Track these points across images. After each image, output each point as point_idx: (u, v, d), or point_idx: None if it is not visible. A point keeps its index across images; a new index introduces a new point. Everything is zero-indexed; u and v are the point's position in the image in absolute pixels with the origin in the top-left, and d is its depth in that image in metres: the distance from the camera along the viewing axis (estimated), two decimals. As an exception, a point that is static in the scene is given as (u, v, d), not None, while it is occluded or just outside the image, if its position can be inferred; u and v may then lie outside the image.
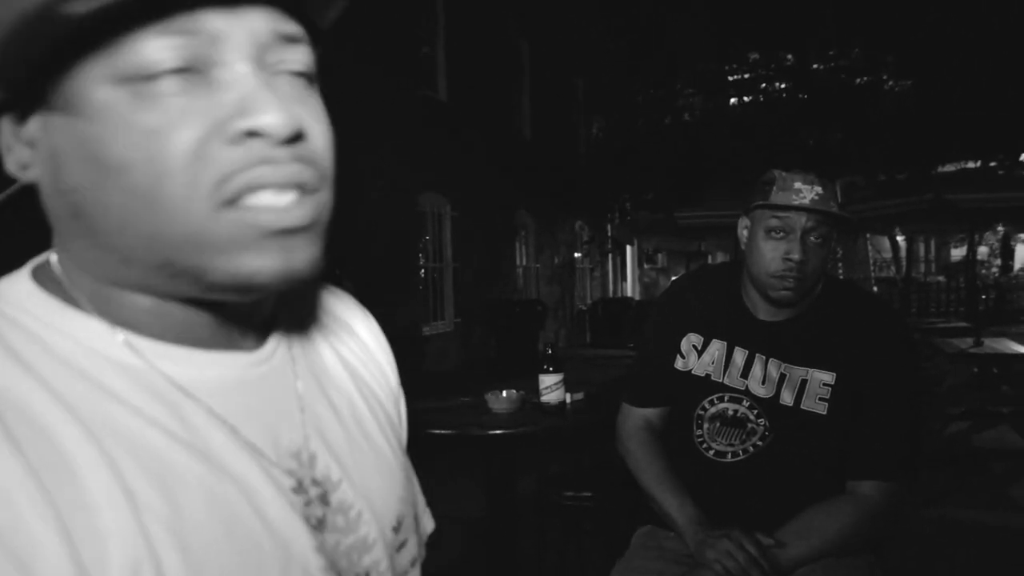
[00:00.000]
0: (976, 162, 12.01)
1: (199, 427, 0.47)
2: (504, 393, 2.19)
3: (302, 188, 0.45)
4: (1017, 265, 15.22)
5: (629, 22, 13.65)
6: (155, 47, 0.41)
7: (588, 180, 13.42)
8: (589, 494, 2.37)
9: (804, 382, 1.41)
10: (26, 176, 0.46)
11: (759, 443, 1.44)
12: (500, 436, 1.96)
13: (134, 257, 0.45)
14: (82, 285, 0.47)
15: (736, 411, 1.47)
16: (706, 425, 1.50)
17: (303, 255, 0.46)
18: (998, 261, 14.71)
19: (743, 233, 1.48)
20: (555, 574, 2.69)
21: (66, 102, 0.42)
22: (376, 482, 0.57)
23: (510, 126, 12.44)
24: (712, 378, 1.50)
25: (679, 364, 1.55)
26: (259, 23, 0.44)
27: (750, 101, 14.57)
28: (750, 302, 1.49)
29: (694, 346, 1.53)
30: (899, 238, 13.48)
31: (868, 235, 13.42)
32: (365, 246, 8.04)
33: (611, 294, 16.47)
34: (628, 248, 16.72)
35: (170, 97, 0.42)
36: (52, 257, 0.49)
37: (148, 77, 0.41)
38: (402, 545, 0.59)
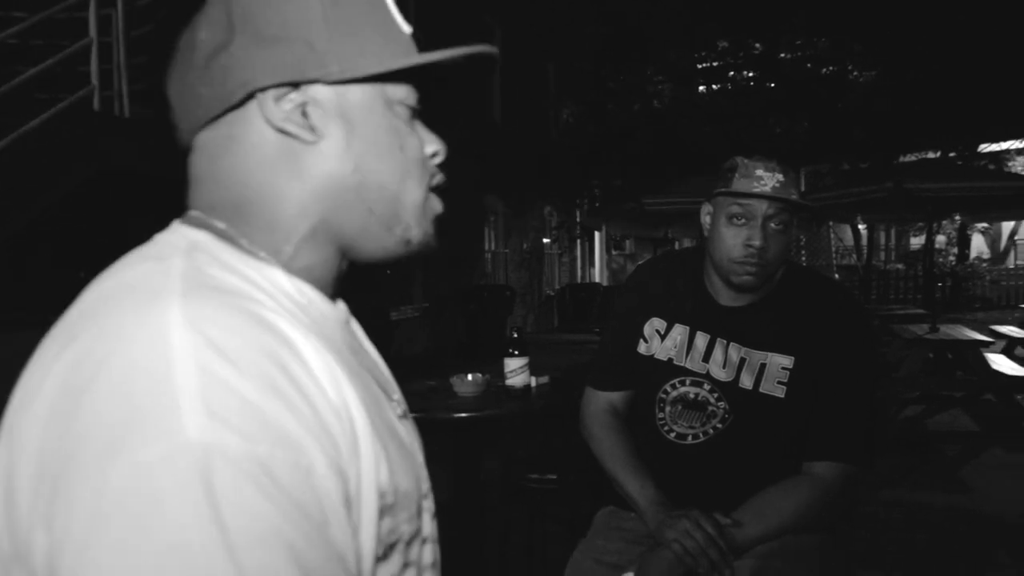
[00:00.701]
0: (936, 153, 12.29)
1: (354, 349, 0.64)
2: (469, 376, 2.19)
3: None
4: (973, 254, 15.64)
5: (599, 7, 13.64)
6: (411, 96, 0.67)
7: (558, 165, 13.44)
8: (554, 476, 2.40)
9: (763, 366, 1.44)
10: (308, 138, 0.59)
11: (719, 425, 1.47)
12: (465, 419, 1.97)
13: (376, 207, 0.62)
14: (257, 238, 0.59)
15: (697, 394, 1.49)
16: (668, 408, 1.52)
17: (430, 230, 0.69)
18: (955, 250, 15.12)
19: (706, 219, 1.49)
20: (520, 556, 2.72)
21: (362, 98, 0.61)
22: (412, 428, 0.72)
23: (481, 110, 12.37)
24: (674, 362, 1.52)
25: (642, 348, 1.56)
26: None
27: (719, 89, 14.70)
28: (712, 287, 1.51)
29: (657, 330, 1.55)
30: (861, 226, 13.75)
31: (831, 223, 13.68)
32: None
33: (579, 279, 16.55)
34: (596, 234, 16.79)
35: (403, 121, 0.64)
36: (213, 222, 0.60)
37: (409, 111, 0.66)
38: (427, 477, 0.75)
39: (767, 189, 1.36)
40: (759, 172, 1.38)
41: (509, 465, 2.48)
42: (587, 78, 14.85)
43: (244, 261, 0.57)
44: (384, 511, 0.54)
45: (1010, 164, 13.91)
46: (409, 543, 0.58)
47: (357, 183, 0.61)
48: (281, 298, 0.56)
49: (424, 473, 0.68)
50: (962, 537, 3.36)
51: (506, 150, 12.61)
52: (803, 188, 15.12)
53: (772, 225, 1.38)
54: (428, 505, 0.66)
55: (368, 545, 0.52)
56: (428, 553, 0.64)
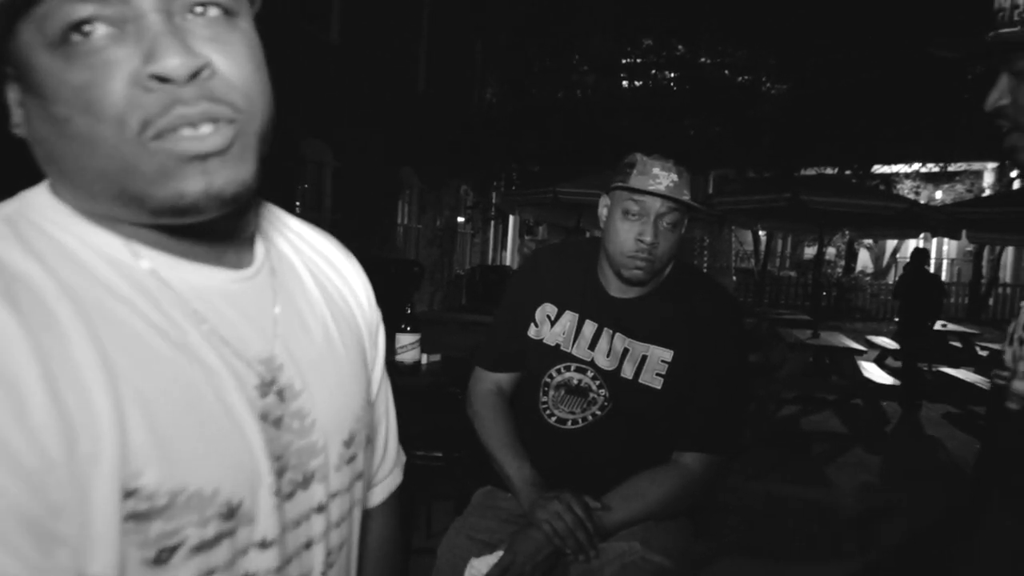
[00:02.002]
0: (834, 169, 13.00)
1: (179, 321, 0.55)
2: (360, 349, 2.16)
3: (215, 120, 0.51)
4: (858, 267, 16.70)
5: None
6: (70, 8, 0.47)
7: (478, 145, 13.37)
8: (440, 454, 2.40)
9: (645, 357, 1.48)
10: (19, 132, 0.54)
11: (598, 412, 1.51)
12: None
13: (95, 190, 0.52)
14: (87, 208, 0.54)
15: (580, 381, 1.53)
16: (551, 392, 1.55)
17: (224, 176, 0.52)
18: (843, 262, 16.11)
19: (603, 212, 1.53)
20: (405, 532, 2.72)
21: (19, 71, 0.51)
22: (335, 399, 0.65)
23: (404, 79, 12.12)
24: (561, 348, 1.55)
25: (532, 332, 1.59)
26: None
27: (640, 86, 14.98)
28: (604, 278, 1.55)
29: (548, 316, 1.58)
30: (761, 232, 14.40)
31: (733, 227, 14.24)
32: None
33: (490, 261, 16.59)
34: (511, 217, 16.86)
35: (95, 54, 0.48)
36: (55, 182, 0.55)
37: (67, 37, 0.48)
38: (351, 459, 0.67)
39: (661, 188, 1.40)
40: (655, 171, 1.42)
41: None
42: (513, 58, 14.82)
43: (74, 224, 0.54)
44: (143, 513, 0.49)
45: (899, 186, 14.90)
46: (201, 548, 0.52)
47: (59, 172, 0.53)
48: (72, 273, 0.51)
49: (304, 459, 0.61)
50: (819, 527, 3.61)
51: (427, 123, 12.44)
52: (710, 190, 15.72)
53: (664, 223, 1.43)
54: (295, 503, 0.60)
55: (107, 544, 0.47)
56: (264, 560, 0.57)
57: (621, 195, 1.46)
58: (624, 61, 15.16)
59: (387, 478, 0.85)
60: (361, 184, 10.74)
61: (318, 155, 10.03)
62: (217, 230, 0.58)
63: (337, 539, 0.66)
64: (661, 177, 1.41)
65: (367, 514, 0.78)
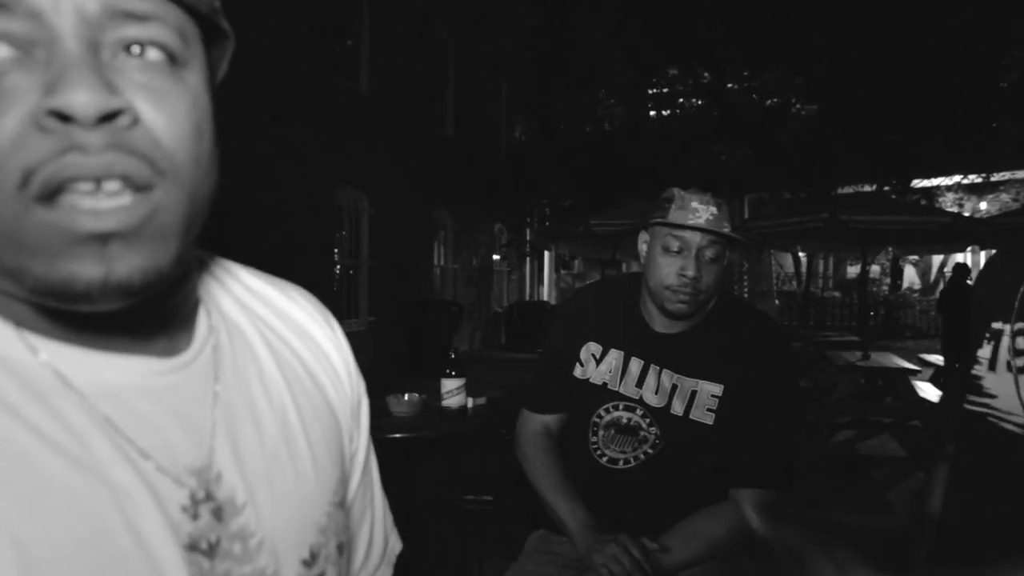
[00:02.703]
0: (872, 186, 12.80)
1: (82, 431, 0.43)
2: (406, 396, 2.17)
3: (128, 181, 0.40)
4: (905, 284, 16.30)
5: (548, 24, 13.86)
6: None
7: (509, 183, 13.51)
8: (490, 498, 2.38)
9: (694, 393, 1.46)
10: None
11: (650, 451, 1.48)
12: (399, 440, 1.94)
13: None
14: None
15: (630, 419, 1.51)
16: (601, 432, 1.53)
17: (130, 263, 0.41)
18: (888, 280, 15.73)
19: (643, 247, 1.52)
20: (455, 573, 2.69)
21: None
22: (292, 510, 0.53)
23: (432, 123, 12.37)
24: (609, 387, 1.53)
25: (578, 372, 1.57)
26: None
27: (668, 115, 15.03)
28: (647, 314, 1.53)
29: (593, 355, 1.56)
30: (801, 254, 14.19)
31: (772, 251, 14.06)
32: (277, 240, 7.82)
33: (528, 298, 16.61)
34: (546, 253, 16.90)
35: None
36: None
37: None
38: None
39: (700, 221, 1.39)
40: (694, 204, 1.41)
41: (445, 486, 2.46)
42: (538, 96, 15.02)
43: None
44: None
45: (940, 200, 14.58)
46: None
47: None
48: None
49: None
50: (888, 554, 3.46)
51: (457, 165, 12.64)
52: (746, 215, 15.57)
53: (706, 256, 1.41)
54: None
55: None
56: None
57: (660, 231, 1.44)
58: (650, 91, 15.25)
59: None
60: (396, 228, 10.91)
61: (353, 202, 10.24)
62: (138, 313, 0.45)
63: None
64: (700, 211, 1.39)
65: None
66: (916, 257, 15.22)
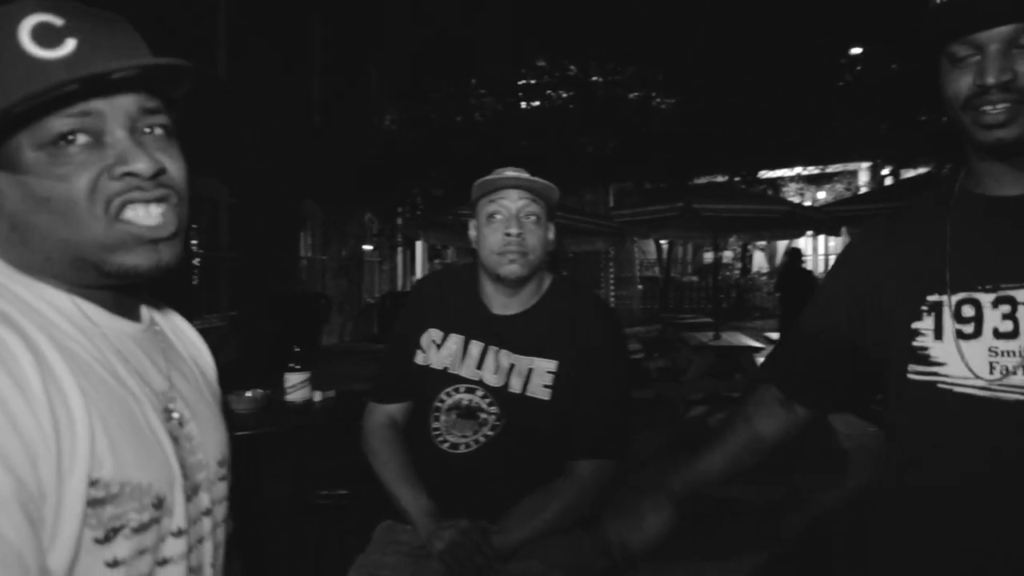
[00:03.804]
0: (724, 176, 13.65)
1: (109, 357, 0.71)
2: (249, 393, 2.09)
3: (167, 201, 0.72)
4: (754, 268, 17.53)
5: (416, 9, 13.73)
6: (60, 123, 0.66)
7: (379, 172, 13.28)
8: (345, 492, 2.35)
9: (531, 370, 1.51)
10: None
11: (490, 432, 1.51)
12: (241, 437, 1.87)
13: (54, 256, 0.69)
14: (26, 264, 0.70)
15: (471, 401, 1.53)
16: (443, 417, 1.55)
17: (169, 254, 0.73)
18: (739, 264, 16.88)
19: (472, 233, 1.58)
20: (313, 573, 2.64)
21: (8, 163, 0.68)
22: (208, 428, 0.81)
23: (299, 111, 11.92)
24: (449, 370, 1.55)
25: (419, 359, 1.59)
26: (129, 104, 0.70)
27: (538, 106, 15.32)
28: (486, 297, 1.58)
29: (433, 341, 1.58)
30: (662, 242, 14.92)
31: (635, 239, 14.68)
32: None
33: (400, 288, 16.44)
34: (418, 243, 16.79)
35: (73, 155, 0.67)
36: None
37: (56, 143, 0.67)
38: (222, 478, 0.83)
39: (512, 175, 1.51)
40: (508, 172, 1.52)
41: (299, 482, 2.40)
42: (410, 85, 14.85)
43: (21, 278, 0.70)
44: (101, 499, 0.63)
45: (784, 190, 15.77)
46: (139, 530, 0.66)
47: (21, 239, 0.69)
48: (32, 313, 0.67)
49: (195, 471, 0.77)
50: (730, 523, 3.72)
51: (326, 154, 12.26)
52: (611, 204, 16.16)
53: (525, 218, 1.50)
54: (194, 504, 0.76)
55: (71, 524, 0.61)
56: (177, 546, 0.72)
57: (482, 205, 1.53)
58: (520, 83, 15.47)
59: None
60: (260, 219, 10.44)
61: (212, 193, 9.70)
62: (132, 291, 0.77)
63: (220, 539, 0.82)
64: (512, 174, 1.51)
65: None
66: (764, 243, 16.41)
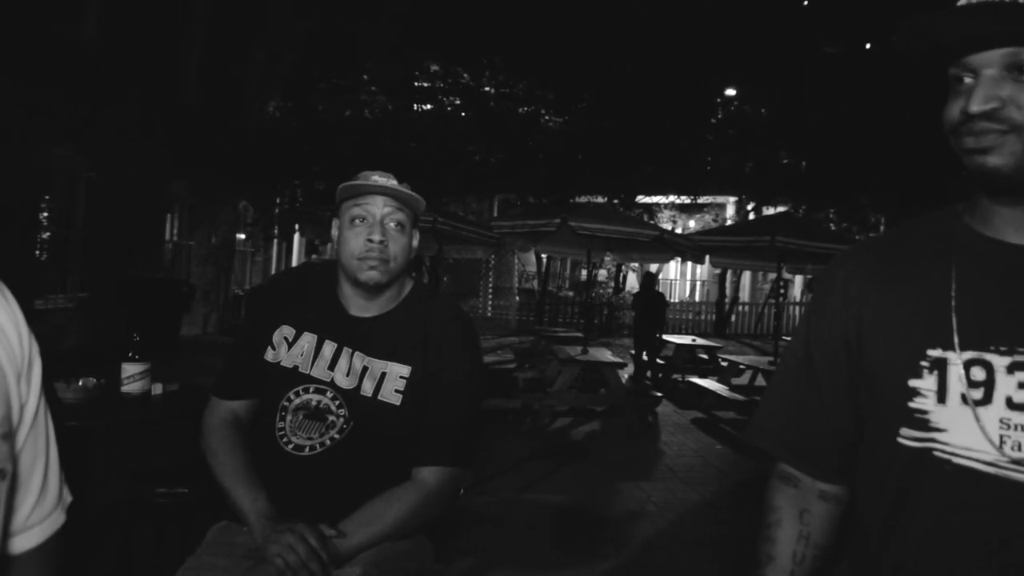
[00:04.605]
0: (604, 197, 14.14)
1: None
2: (80, 382, 1.94)
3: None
4: (627, 288, 18.24)
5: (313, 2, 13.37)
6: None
7: (258, 160, 12.74)
8: (186, 490, 2.23)
9: (384, 374, 1.50)
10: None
11: (336, 436, 1.49)
12: (68, 429, 1.74)
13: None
14: None
15: (320, 402, 1.50)
16: (289, 417, 1.51)
17: None
18: (612, 284, 17.52)
19: (334, 232, 1.55)
20: (148, 574, 2.49)
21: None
22: None
23: (173, 87, 11.24)
24: (300, 369, 1.52)
25: (269, 355, 1.54)
26: None
27: (429, 110, 15.25)
28: (344, 298, 1.55)
29: (285, 338, 1.54)
30: (543, 255, 15.21)
31: (516, 250, 14.91)
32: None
33: (273, 281, 15.81)
34: (295, 236, 16.23)
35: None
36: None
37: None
38: None
39: (379, 182, 1.49)
40: (375, 177, 1.51)
41: (135, 480, 2.25)
42: (298, 73, 14.38)
43: None
44: None
45: (659, 215, 16.54)
46: None
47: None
48: None
49: None
50: (582, 531, 3.85)
51: (200, 134, 11.62)
52: (495, 214, 16.31)
53: (389, 224, 1.49)
54: None
55: None
56: None
57: (347, 207, 1.51)
58: (414, 84, 15.36)
59: (46, 520, 0.84)
60: (122, 197, 9.74)
61: (68, 164, 8.97)
62: None
63: None
64: (380, 180, 1.49)
65: (10, 561, 0.78)
66: (637, 264, 17.11)
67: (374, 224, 1.48)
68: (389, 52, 13.84)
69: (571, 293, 18.51)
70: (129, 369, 1.92)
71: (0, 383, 0.75)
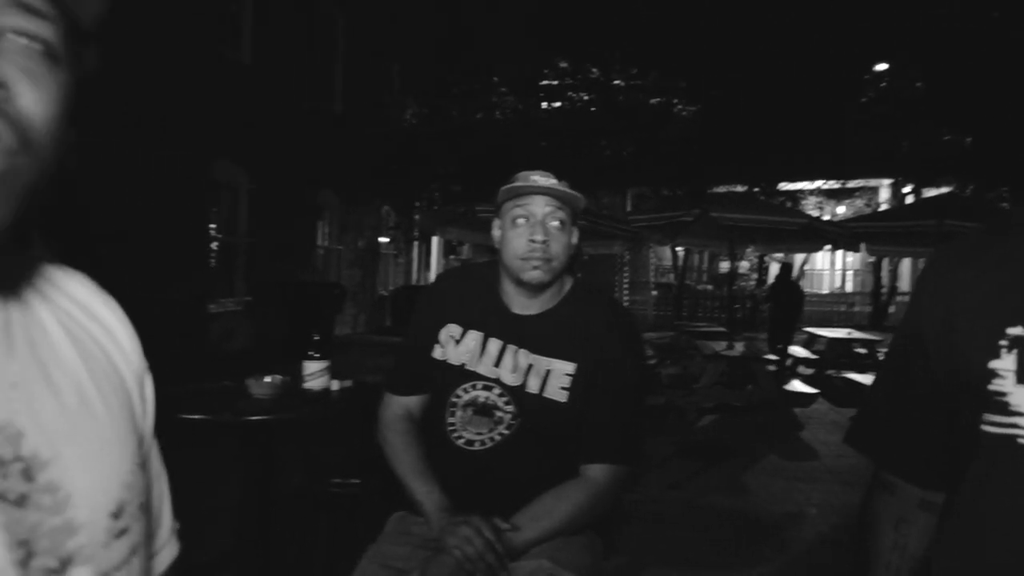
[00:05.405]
0: (743, 186, 13.58)
1: None
2: (268, 378, 2.10)
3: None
4: (770, 280, 17.43)
5: (442, 9, 13.76)
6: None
7: (399, 166, 13.32)
8: (357, 481, 2.36)
9: (549, 371, 1.51)
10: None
11: (505, 431, 1.52)
12: (257, 423, 1.88)
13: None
14: None
15: (487, 399, 1.54)
16: (459, 413, 1.55)
17: None
18: (756, 275, 16.78)
19: (496, 233, 1.58)
20: (323, 562, 2.65)
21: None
22: (97, 467, 0.56)
23: (320, 99, 11.98)
24: (467, 367, 1.56)
25: (437, 353, 1.59)
26: None
27: (559, 107, 15.30)
28: (506, 297, 1.58)
29: (452, 336, 1.59)
30: (678, 249, 14.85)
31: (652, 245, 14.64)
32: (142, 212, 7.35)
33: (415, 282, 16.49)
34: (434, 238, 16.82)
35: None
36: None
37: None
38: (122, 532, 0.58)
39: (540, 182, 1.50)
40: (535, 177, 1.51)
41: (312, 471, 2.41)
42: (431, 80, 14.88)
43: None
44: None
45: (803, 203, 15.66)
46: None
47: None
48: None
49: (57, 541, 0.53)
50: (737, 533, 3.71)
51: (345, 144, 12.31)
52: (628, 208, 16.11)
53: (551, 223, 1.50)
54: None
55: None
56: None
57: (508, 208, 1.53)
58: (542, 83, 15.46)
59: (163, 549, 0.73)
60: (278, 206, 10.51)
61: (232, 178, 9.78)
62: None
63: None
64: (540, 180, 1.50)
65: None
66: (781, 255, 16.33)
67: (536, 224, 1.49)
68: (516, 52, 14.00)
69: (710, 287, 17.94)
70: (311, 367, 2.06)
71: (125, 403, 0.64)
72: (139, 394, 0.67)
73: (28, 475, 0.51)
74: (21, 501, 0.50)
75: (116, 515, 0.57)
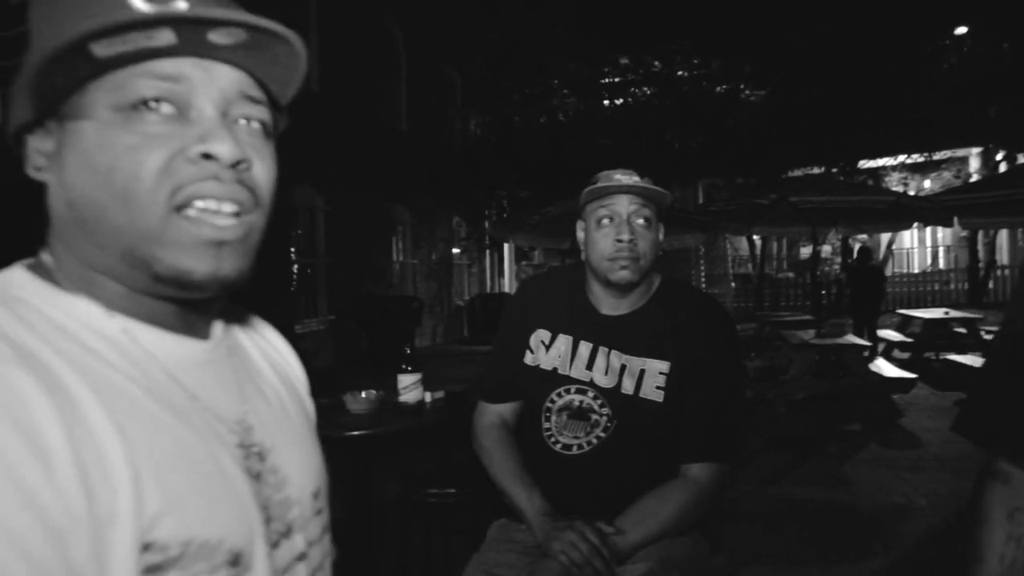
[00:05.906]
0: (820, 168, 13.10)
1: (165, 388, 0.59)
2: (363, 394, 2.16)
3: (239, 205, 0.59)
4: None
5: (497, 17, 13.84)
6: (145, 85, 0.56)
7: (465, 175, 13.48)
8: (453, 491, 2.40)
9: (643, 371, 1.50)
10: (39, 177, 0.61)
11: (602, 434, 1.51)
12: (356, 437, 1.94)
13: (106, 243, 0.58)
14: (71, 272, 0.60)
15: (582, 402, 1.53)
16: (554, 418, 1.55)
17: (231, 263, 0.59)
18: (839, 259, 16.13)
19: (580, 235, 1.57)
20: (420, 572, 2.70)
21: (76, 121, 0.57)
22: (297, 456, 0.70)
23: (386, 118, 12.26)
24: (559, 371, 1.56)
25: (528, 359, 1.60)
26: (226, 79, 0.60)
27: (621, 104, 15.15)
28: (594, 298, 1.57)
29: (542, 341, 1.59)
30: (755, 237, 14.45)
31: (727, 235, 14.29)
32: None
33: (489, 290, 16.62)
34: (505, 245, 16.92)
35: (150, 125, 0.56)
36: (44, 256, 0.62)
37: (136, 107, 0.56)
38: (319, 512, 0.72)
39: (624, 182, 1.48)
40: (617, 176, 1.49)
41: (407, 482, 2.47)
42: (492, 89, 15.00)
43: (54, 298, 0.59)
44: (158, 564, 0.52)
45: (886, 180, 14.97)
46: None
47: (75, 220, 0.58)
48: (65, 342, 0.55)
49: (283, 511, 0.65)
50: (839, 528, 3.58)
51: (413, 159, 12.55)
52: (700, 200, 15.78)
53: (637, 222, 1.48)
54: (285, 549, 0.64)
55: None
56: None
57: (592, 209, 1.51)
58: (603, 81, 15.35)
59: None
60: (353, 225, 10.80)
61: (309, 201, 10.10)
62: (198, 305, 0.64)
63: None
64: (623, 179, 1.48)
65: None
66: (865, 236, 15.66)
67: (621, 223, 1.47)
68: (572, 52, 13.95)
69: (791, 274, 17.36)
70: (405, 380, 2.11)
71: (305, 411, 0.78)
72: (308, 404, 0.81)
73: (261, 457, 0.65)
74: (258, 478, 0.64)
75: (315, 496, 0.71)
